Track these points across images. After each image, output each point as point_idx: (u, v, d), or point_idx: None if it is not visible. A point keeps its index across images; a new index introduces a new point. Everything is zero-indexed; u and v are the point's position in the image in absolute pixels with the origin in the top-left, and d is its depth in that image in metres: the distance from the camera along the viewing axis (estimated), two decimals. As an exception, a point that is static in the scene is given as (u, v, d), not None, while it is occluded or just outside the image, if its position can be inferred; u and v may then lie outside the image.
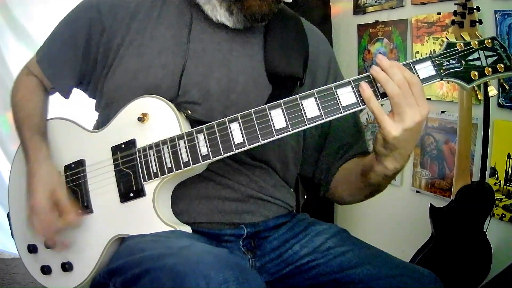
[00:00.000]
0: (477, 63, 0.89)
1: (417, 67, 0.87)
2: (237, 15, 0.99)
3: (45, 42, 1.11)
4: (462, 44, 0.89)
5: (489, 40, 0.90)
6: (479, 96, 0.94)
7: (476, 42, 0.90)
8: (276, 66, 1.04)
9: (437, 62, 0.88)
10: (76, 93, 1.13)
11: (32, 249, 1.04)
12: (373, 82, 0.86)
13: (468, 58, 0.89)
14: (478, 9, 1.53)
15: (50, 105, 1.14)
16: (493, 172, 1.74)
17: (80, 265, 0.98)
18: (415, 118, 0.83)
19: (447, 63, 0.88)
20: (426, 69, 0.88)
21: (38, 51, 1.11)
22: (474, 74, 0.88)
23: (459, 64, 0.88)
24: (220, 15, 1.00)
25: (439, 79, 0.88)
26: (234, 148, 0.88)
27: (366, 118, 2.29)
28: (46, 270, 1.02)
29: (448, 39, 0.90)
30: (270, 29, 1.07)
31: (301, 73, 1.06)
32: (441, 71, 0.88)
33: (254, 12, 0.98)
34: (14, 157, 1.12)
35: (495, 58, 0.89)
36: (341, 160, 1.11)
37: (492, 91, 0.91)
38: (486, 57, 0.89)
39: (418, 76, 0.87)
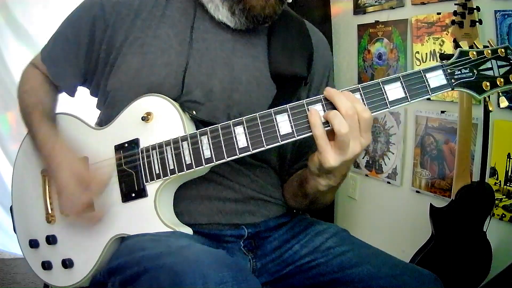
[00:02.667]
0: (489, 73, 0.86)
1: (428, 75, 0.85)
2: (239, 16, 0.99)
3: (49, 40, 1.11)
4: (475, 53, 0.87)
5: (503, 50, 0.87)
6: (490, 108, 0.91)
7: (489, 51, 0.87)
8: (280, 67, 1.04)
9: (449, 71, 0.85)
10: (79, 92, 1.13)
11: (33, 244, 1.05)
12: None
13: (481, 68, 0.86)
14: (478, 9, 1.53)
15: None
16: (493, 172, 1.74)
17: (81, 263, 0.98)
18: (355, 150, 0.82)
19: (459, 72, 0.86)
20: (437, 78, 0.85)
21: (43, 49, 1.11)
22: (485, 84, 0.86)
23: (471, 74, 0.86)
24: (222, 15, 1.00)
25: (450, 88, 0.86)
26: (238, 152, 0.87)
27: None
28: (46, 265, 1.02)
29: (461, 47, 0.87)
30: (273, 30, 1.07)
31: (305, 72, 1.05)
32: (453, 81, 0.85)
33: (256, 14, 0.98)
34: (17, 153, 1.12)
35: (508, 68, 0.87)
36: (299, 164, 1.10)
37: (503, 102, 0.89)
38: (499, 67, 0.87)
39: (429, 85, 0.85)
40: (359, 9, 2.33)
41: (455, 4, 1.55)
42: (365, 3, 2.28)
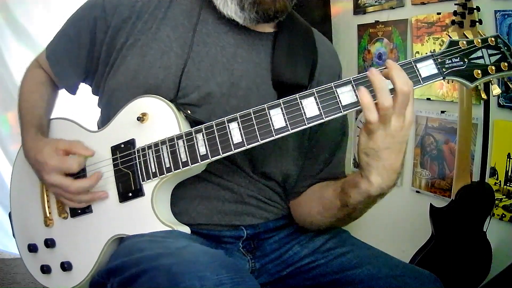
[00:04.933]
0: (480, 61, 0.87)
1: (419, 65, 0.85)
2: (249, 11, 0.96)
3: (54, 37, 1.11)
4: (465, 42, 0.87)
5: (493, 39, 0.88)
6: (482, 96, 0.91)
7: (479, 41, 0.87)
8: (282, 75, 1.01)
9: (439, 60, 0.86)
10: (80, 91, 1.13)
11: (32, 248, 1.05)
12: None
13: (471, 57, 0.87)
14: (478, 9, 1.53)
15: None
16: (493, 172, 1.74)
17: (79, 265, 0.98)
18: (396, 125, 0.80)
19: (450, 61, 0.86)
20: (427, 68, 0.85)
21: (48, 46, 1.12)
22: (477, 72, 0.86)
23: (461, 63, 0.86)
24: (231, 10, 0.97)
25: (441, 78, 0.86)
26: (232, 148, 0.87)
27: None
28: (45, 269, 1.02)
29: (450, 37, 0.88)
30: (279, 36, 1.04)
31: (306, 81, 1.03)
32: (444, 70, 0.86)
33: (266, 8, 0.95)
34: (15, 158, 1.12)
35: (498, 56, 0.87)
36: (318, 176, 1.07)
37: (496, 89, 0.88)
38: (490, 55, 0.87)
39: (420, 74, 0.85)
40: (359, 9, 2.32)
41: (455, 4, 1.55)
42: (365, 3, 2.28)
